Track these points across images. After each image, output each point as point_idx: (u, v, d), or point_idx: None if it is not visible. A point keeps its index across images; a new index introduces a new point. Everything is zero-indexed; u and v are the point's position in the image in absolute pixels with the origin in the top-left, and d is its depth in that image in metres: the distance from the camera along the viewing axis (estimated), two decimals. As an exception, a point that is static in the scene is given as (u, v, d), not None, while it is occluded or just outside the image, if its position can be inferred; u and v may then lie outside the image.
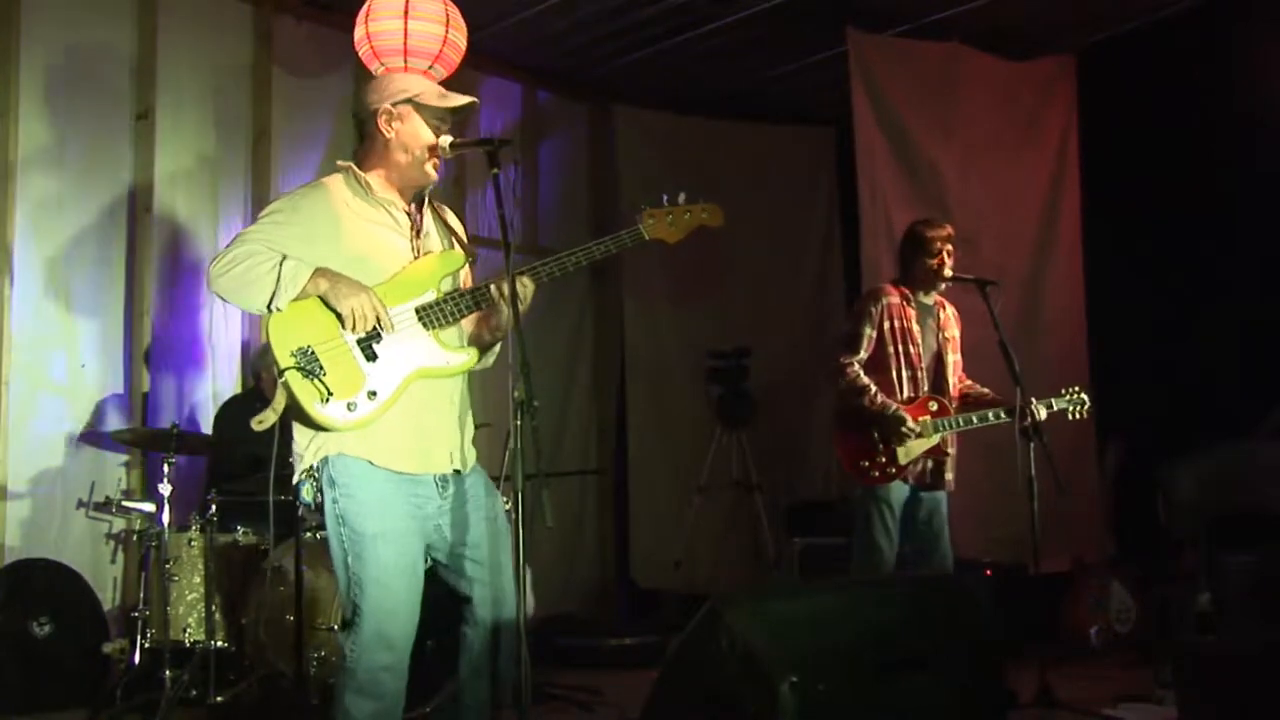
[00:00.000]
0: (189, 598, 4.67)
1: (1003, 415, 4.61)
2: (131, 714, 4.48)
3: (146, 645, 4.64)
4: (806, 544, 6.42)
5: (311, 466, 2.97)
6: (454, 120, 3.13)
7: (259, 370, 5.37)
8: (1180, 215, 6.06)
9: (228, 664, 4.65)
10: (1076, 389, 4.72)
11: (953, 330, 4.84)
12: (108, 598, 5.19)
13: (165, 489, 4.62)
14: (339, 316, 2.91)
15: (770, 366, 7.25)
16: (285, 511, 4.49)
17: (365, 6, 4.82)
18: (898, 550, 4.67)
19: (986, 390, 4.83)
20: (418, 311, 3.00)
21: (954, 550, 4.82)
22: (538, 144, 7.25)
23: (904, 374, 4.67)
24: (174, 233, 5.70)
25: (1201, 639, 4.62)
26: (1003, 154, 6.63)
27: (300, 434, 3.01)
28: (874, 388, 4.60)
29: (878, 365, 4.68)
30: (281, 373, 2.89)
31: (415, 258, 3.07)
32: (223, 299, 3.01)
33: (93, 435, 5.33)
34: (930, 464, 4.68)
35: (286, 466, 3.08)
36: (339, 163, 3.15)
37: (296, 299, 2.90)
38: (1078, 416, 4.73)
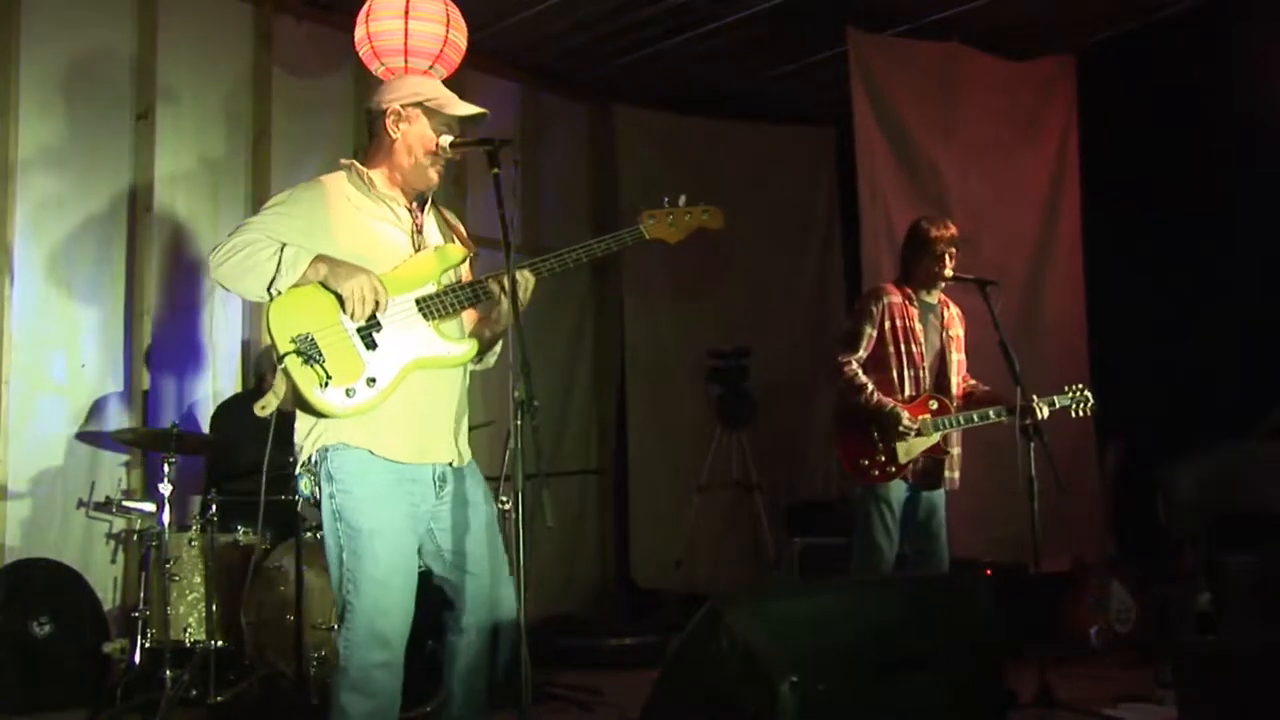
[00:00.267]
0: (189, 597, 4.67)
1: (1004, 414, 4.61)
2: (132, 714, 4.48)
3: (147, 645, 4.64)
4: (806, 544, 6.42)
5: (310, 459, 2.98)
6: (459, 128, 3.13)
7: (264, 371, 5.37)
8: (1180, 215, 6.06)
9: (228, 664, 4.65)
10: (1079, 386, 4.72)
11: (956, 329, 4.84)
12: (108, 598, 5.19)
13: (165, 489, 4.62)
14: (340, 299, 2.91)
15: (770, 366, 7.25)
16: (284, 512, 4.51)
17: (366, 6, 4.82)
18: (897, 550, 4.67)
19: (990, 389, 4.83)
20: (418, 302, 3.01)
21: (954, 550, 4.82)
22: (538, 144, 7.25)
23: (905, 373, 4.67)
24: (174, 232, 5.70)
25: (1201, 639, 4.61)
26: (1003, 154, 6.63)
27: (301, 424, 3.01)
28: (871, 386, 4.60)
29: (879, 364, 4.67)
30: (281, 358, 2.90)
31: (415, 252, 3.08)
32: (224, 287, 3.02)
33: (93, 435, 5.33)
34: (931, 463, 4.68)
35: (283, 467, 3.09)
36: (341, 160, 3.16)
37: (296, 284, 2.91)
38: (1081, 414, 4.72)
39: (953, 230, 4.75)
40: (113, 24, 5.54)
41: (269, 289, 2.90)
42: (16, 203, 5.18)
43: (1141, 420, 5.96)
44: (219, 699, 4.48)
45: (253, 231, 2.95)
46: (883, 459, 4.61)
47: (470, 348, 3.08)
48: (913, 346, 4.69)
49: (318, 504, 3.01)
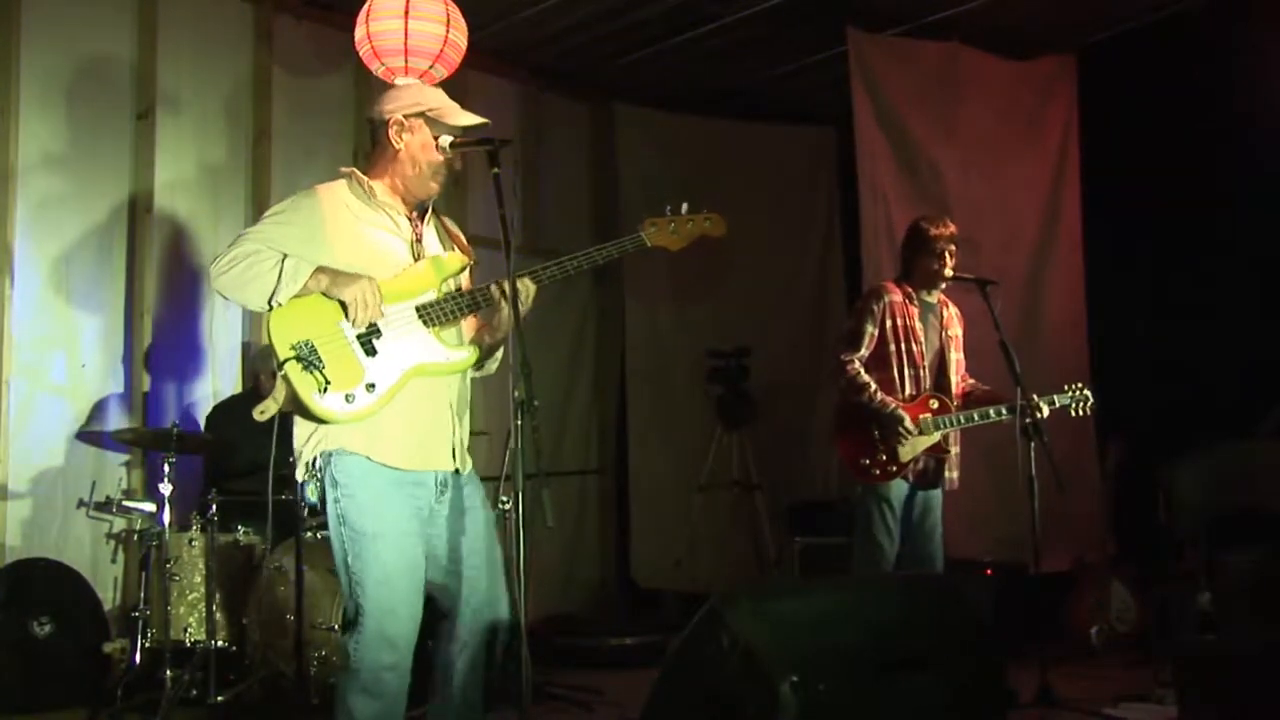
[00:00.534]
0: (189, 597, 4.68)
1: (1004, 412, 4.61)
2: (132, 714, 4.49)
3: (147, 645, 4.65)
4: (807, 543, 6.43)
5: (313, 465, 2.98)
6: (466, 138, 3.13)
7: (258, 372, 5.37)
8: (1180, 215, 6.06)
9: (228, 664, 4.66)
10: (1079, 385, 4.72)
11: (955, 329, 4.85)
12: (108, 597, 5.19)
13: (166, 489, 4.63)
14: (343, 306, 2.93)
15: (771, 366, 7.25)
16: (285, 511, 4.51)
17: (366, 6, 4.82)
18: (897, 548, 4.68)
19: (989, 389, 4.83)
20: (418, 310, 3.02)
21: (954, 550, 4.82)
22: (538, 144, 7.24)
23: (906, 372, 4.67)
24: (174, 233, 5.70)
25: (1201, 639, 4.62)
26: (1003, 154, 6.63)
27: (300, 430, 3.02)
28: (874, 385, 4.61)
29: (879, 363, 4.68)
30: (281, 364, 2.90)
31: (414, 261, 3.09)
32: (224, 297, 3.03)
33: (93, 435, 5.33)
34: (931, 462, 4.68)
35: (286, 466, 3.09)
36: (342, 169, 3.17)
37: (297, 295, 2.92)
38: (1081, 413, 4.72)
39: (952, 229, 4.75)
40: (113, 24, 5.54)
41: (270, 300, 2.92)
42: (17, 203, 5.18)
43: (1141, 420, 5.96)
44: (219, 699, 4.49)
45: (253, 242, 2.96)
46: (884, 458, 4.61)
47: (470, 354, 3.09)
48: (913, 345, 4.69)
49: (322, 509, 3.01)
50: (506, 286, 2.97)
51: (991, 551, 5.99)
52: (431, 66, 4.81)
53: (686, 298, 7.43)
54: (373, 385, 2.93)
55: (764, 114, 7.55)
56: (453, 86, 4.34)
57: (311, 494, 3.02)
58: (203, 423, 5.42)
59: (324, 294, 2.94)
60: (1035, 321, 6.49)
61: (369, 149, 3.18)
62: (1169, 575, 5.55)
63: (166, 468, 4.65)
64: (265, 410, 2.95)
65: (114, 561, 5.29)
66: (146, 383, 5.51)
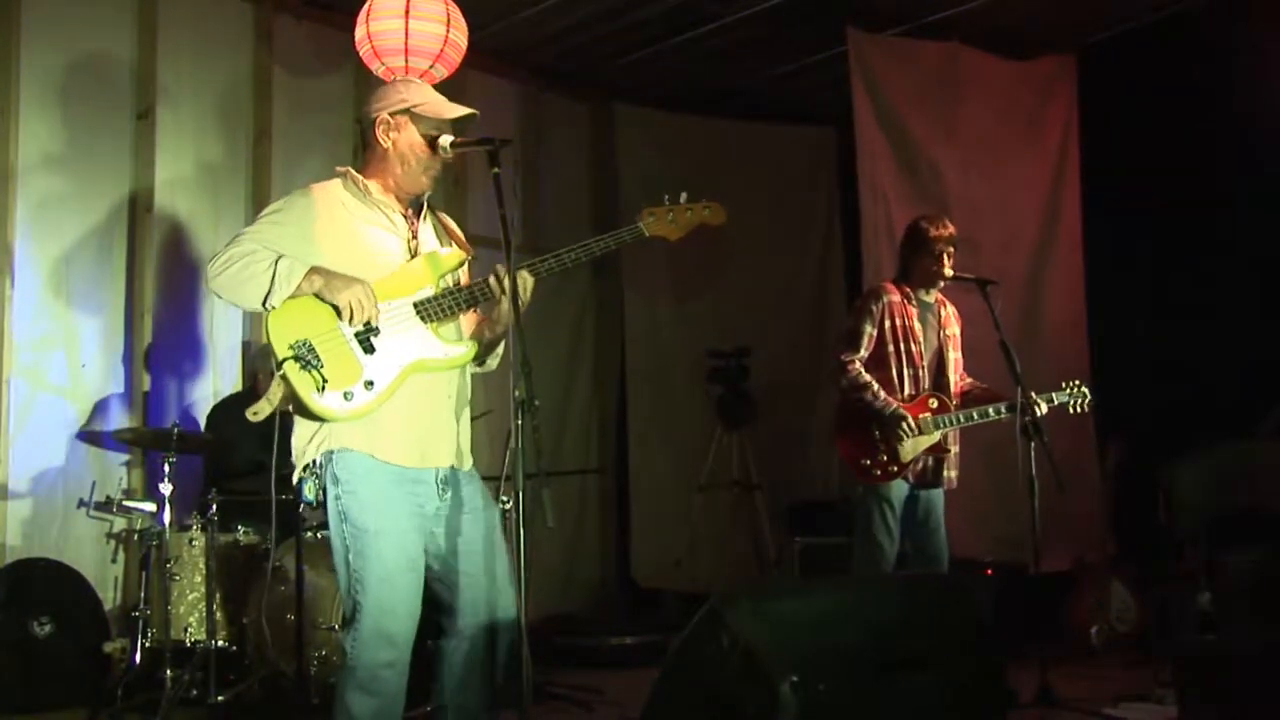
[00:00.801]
0: (190, 597, 4.68)
1: (1003, 411, 4.62)
2: (132, 713, 4.49)
3: (147, 645, 4.65)
4: (807, 543, 6.43)
5: (313, 463, 2.99)
6: (451, 129, 3.13)
7: (257, 371, 5.37)
8: (1180, 215, 6.07)
9: (228, 664, 4.66)
10: (1076, 382, 4.73)
11: (953, 328, 4.85)
12: (109, 597, 5.19)
13: (166, 488, 4.63)
14: (337, 310, 2.93)
15: (771, 366, 7.25)
16: (285, 511, 4.51)
17: (366, 6, 4.82)
18: (897, 549, 4.68)
19: (987, 387, 4.84)
20: (416, 306, 3.02)
21: (954, 550, 4.82)
22: (538, 143, 7.25)
23: (905, 372, 4.68)
24: (174, 232, 5.70)
25: (1201, 639, 4.62)
26: (1003, 154, 6.63)
27: (300, 429, 3.02)
28: (875, 385, 4.61)
29: (879, 363, 4.68)
30: (279, 364, 2.90)
31: (411, 258, 3.09)
32: (220, 297, 3.04)
33: (93, 435, 5.33)
34: (931, 462, 4.69)
35: (288, 466, 3.09)
36: (338, 169, 3.17)
37: (292, 296, 2.92)
38: (1079, 410, 4.73)
39: (951, 229, 4.76)
40: (113, 24, 5.54)
41: (264, 303, 2.92)
42: (17, 203, 5.18)
43: (1141, 420, 5.96)
44: (219, 699, 4.49)
45: (248, 242, 2.96)
46: (884, 458, 4.62)
47: (469, 349, 3.09)
48: (912, 345, 4.70)
49: (321, 508, 3.01)
50: (504, 278, 2.97)
51: (991, 551, 6.00)
52: (431, 66, 4.81)
53: (686, 297, 7.43)
54: (371, 383, 2.94)
55: (764, 114, 7.55)
56: (452, 86, 4.35)
57: (309, 492, 3.02)
58: (203, 422, 5.42)
59: (317, 296, 2.94)
60: (1035, 321, 6.49)
61: (361, 151, 3.19)
62: (1169, 575, 5.55)
63: (167, 467, 4.65)
64: (259, 411, 2.94)
65: (114, 561, 5.29)
66: (146, 382, 5.51)
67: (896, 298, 4.74)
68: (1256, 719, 3.34)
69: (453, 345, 3.06)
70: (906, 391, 4.67)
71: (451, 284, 3.10)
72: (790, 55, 6.92)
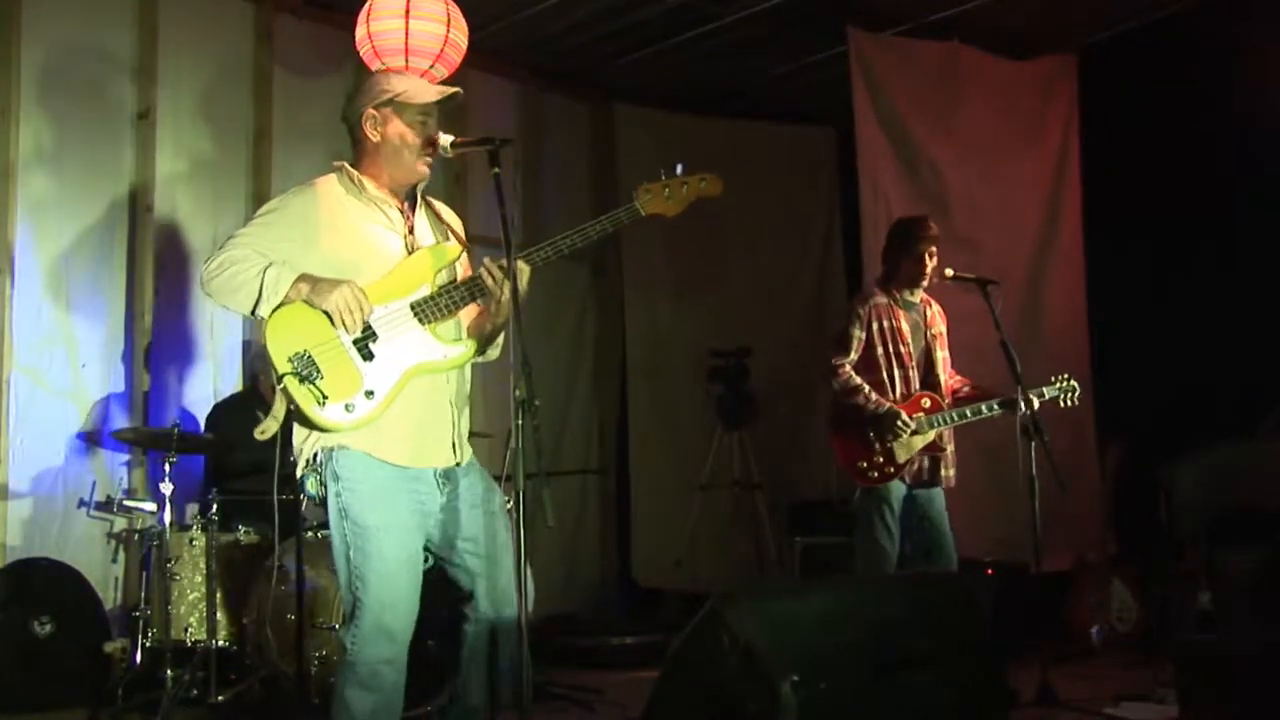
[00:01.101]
0: (190, 597, 4.68)
1: (995, 407, 4.66)
2: (132, 713, 4.49)
3: (148, 645, 4.65)
4: (808, 543, 6.43)
5: (314, 459, 2.99)
6: (439, 112, 3.12)
7: (257, 372, 5.37)
8: (1180, 215, 6.06)
9: (229, 663, 4.66)
10: (1065, 376, 4.75)
11: (939, 327, 4.88)
12: (109, 597, 5.19)
13: (166, 488, 4.63)
14: (329, 316, 2.93)
15: (771, 366, 7.25)
16: (286, 510, 4.51)
17: (366, 6, 4.82)
18: (898, 549, 4.69)
19: (976, 384, 4.86)
20: (413, 307, 3.01)
21: (955, 549, 4.82)
22: (539, 143, 7.25)
23: (895, 373, 4.71)
24: (174, 232, 5.70)
25: (1202, 638, 4.62)
26: (1003, 153, 6.63)
27: (299, 429, 3.03)
28: (867, 387, 4.64)
29: (869, 366, 4.71)
30: (280, 379, 2.90)
31: (409, 254, 3.08)
32: (214, 301, 3.05)
33: (94, 435, 5.33)
34: (927, 462, 4.70)
35: (289, 465, 3.09)
36: (335, 163, 3.16)
37: (281, 305, 2.92)
38: (1070, 403, 4.74)
39: (934, 230, 4.79)
40: (113, 23, 5.54)
41: (254, 311, 2.93)
42: (17, 202, 5.18)
43: (1141, 420, 5.96)
44: (220, 699, 4.49)
45: (240, 248, 2.97)
46: (880, 460, 4.63)
47: (468, 349, 3.08)
48: (900, 347, 4.73)
49: (323, 503, 3.02)
50: (496, 270, 2.96)
51: (992, 551, 5.99)
52: (432, 66, 4.81)
53: (687, 296, 7.43)
54: (371, 392, 2.93)
55: (764, 114, 7.55)
56: (452, 85, 4.33)
57: (311, 488, 3.03)
58: (203, 422, 5.42)
59: (307, 303, 2.93)
60: (1035, 321, 6.48)
61: (351, 149, 3.17)
62: (1169, 575, 5.56)
63: (167, 467, 4.65)
64: (266, 430, 2.95)
65: (115, 561, 5.29)
66: (146, 382, 5.51)
67: (883, 300, 4.77)
68: (1257, 718, 3.34)
69: (452, 345, 3.05)
70: (898, 392, 4.69)
71: (448, 280, 3.09)
72: (790, 55, 6.92)
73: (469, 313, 3.17)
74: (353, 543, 2.94)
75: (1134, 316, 6.25)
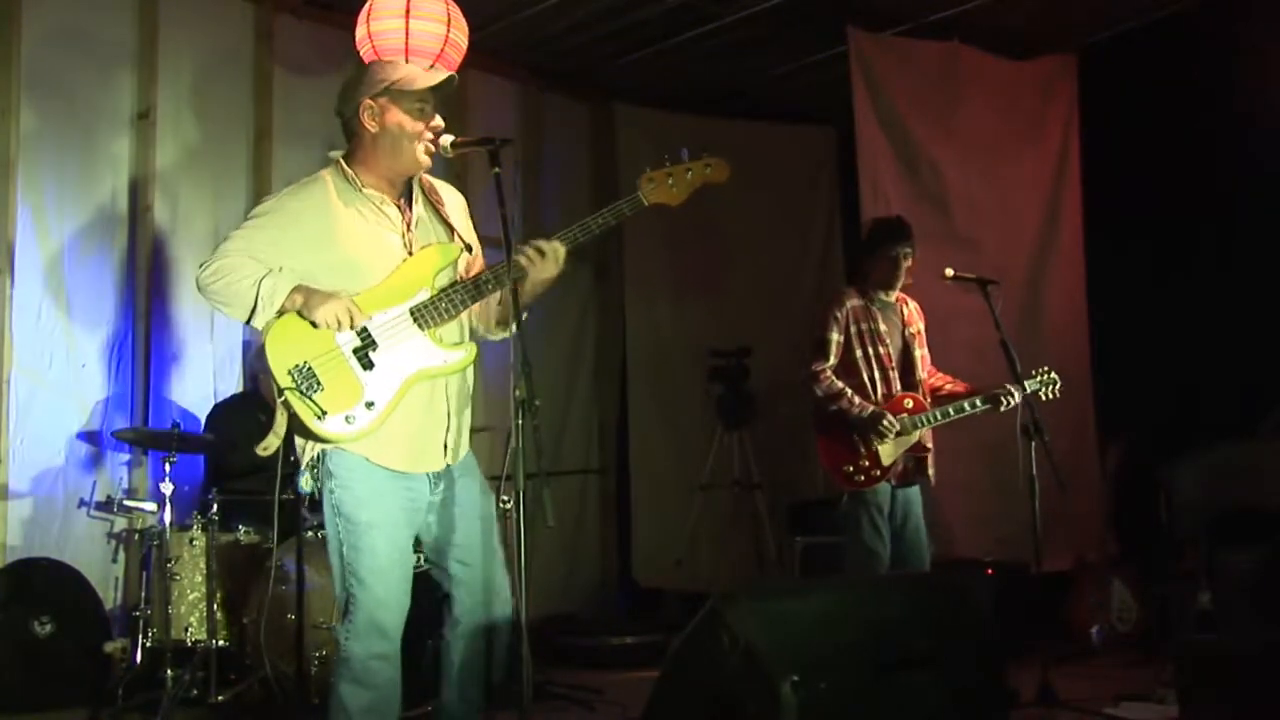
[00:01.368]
0: (190, 597, 4.68)
1: (978, 404, 4.68)
2: (132, 713, 4.49)
3: (148, 644, 4.65)
4: (808, 543, 6.43)
5: (313, 459, 3.00)
6: (437, 99, 3.10)
7: (256, 372, 5.37)
8: (1181, 215, 6.07)
9: (229, 663, 4.66)
10: (1045, 368, 4.74)
11: (918, 324, 4.89)
12: (109, 597, 5.19)
13: (167, 488, 4.63)
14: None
15: (772, 366, 7.24)
16: (286, 510, 4.51)
17: (367, 6, 4.82)
18: (890, 551, 4.70)
19: (955, 380, 4.87)
20: (412, 313, 2.99)
21: (955, 550, 4.83)
22: (539, 143, 7.25)
23: (876, 375, 4.72)
24: (174, 231, 5.70)
25: (1202, 638, 4.62)
26: (1004, 153, 6.63)
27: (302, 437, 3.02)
28: (849, 391, 4.65)
29: (848, 370, 4.72)
30: (281, 392, 2.89)
31: (409, 253, 3.05)
32: (211, 305, 3.04)
33: (94, 435, 5.33)
34: (911, 462, 4.73)
35: (288, 465, 3.09)
36: (330, 154, 3.14)
37: (277, 316, 2.92)
38: (1050, 395, 4.74)
39: (908, 231, 4.79)
40: (113, 22, 5.54)
41: (249, 321, 2.93)
42: (17, 202, 5.18)
43: (1141, 420, 5.96)
44: (220, 698, 4.49)
45: (234, 254, 2.96)
46: (867, 463, 4.63)
47: (467, 353, 3.06)
48: (879, 348, 4.73)
49: (318, 502, 3.02)
50: (532, 251, 2.95)
51: (992, 551, 6.00)
52: (432, 66, 4.79)
53: (687, 296, 7.43)
54: (372, 403, 2.93)
55: (764, 114, 7.55)
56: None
57: (305, 485, 3.03)
58: (204, 422, 5.42)
59: (299, 314, 2.92)
60: (1035, 321, 6.48)
61: (347, 143, 3.15)
62: (1169, 575, 5.56)
63: (167, 467, 4.65)
64: (268, 446, 2.94)
65: (115, 561, 5.29)
66: (146, 382, 5.51)
67: (858, 302, 4.77)
68: (1258, 718, 3.34)
69: (452, 350, 3.03)
70: (879, 394, 4.71)
71: (449, 280, 3.06)
72: (790, 55, 6.91)
73: (483, 307, 3.14)
74: (345, 539, 2.95)
75: (1134, 316, 6.25)
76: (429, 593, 3.09)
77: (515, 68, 7.01)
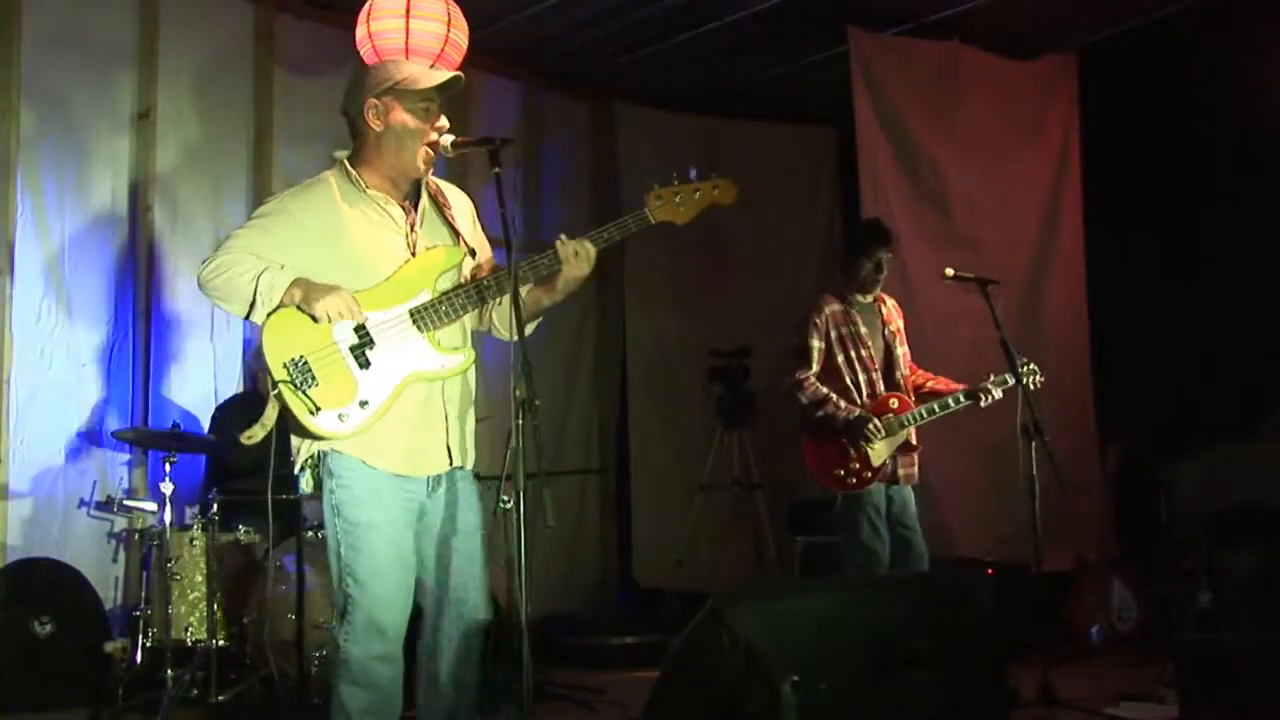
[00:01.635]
0: (190, 597, 4.68)
1: (961, 400, 4.72)
2: (133, 713, 4.49)
3: (148, 644, 4.65)
4: (808, 543, 6.43)
5: (311, 459, 2.99)
6: (442, 99, 3.10)
7: (255, 371, 5.37)
8: (1181, 215, 6.07)
9: (229, 663, 4.66)
10: (1025, 360, 4.74)
11: (897, 322, 4.92)
12: (109, 597, 5.19)
13: (167, 488, 4.63)
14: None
15: (772, 366, 7.21)
16: (286, 510, 4.51)
17: (367, 5, 4.82)
18: (889, 551, 4.71)
19: (934, 375, 4.89)
20: (412, 314, 2.98)
21: (956, 550, 4.84)
22: (539, 143, 7.25)
23: (860, 377, 4.74)
24: (174, 231, 5.69)
25: (1202, 638, 4.62)
26: (1004, 153, 6.63)
27: (296, 435, 3.02)
28: (834, 396, 4.67)
29: (831, 374, 4.75)
30: (274, 385, 2.89)
31: (411, 254, 3.04)
32: (211, 301, 3.04)
33: (94, 434, 5.33)
34: (900, 460, 4.73)
35: (286, 465, 3.09)
36: (335, 154, 3.15)
37: (276, 310, 2.91)
38: (1033, 385, 4.73)
39: (888, 235, 4.81)
40: (113, 22, 5.54)
41: (249, 316, 2.93)
42: (17, 202, 5.18)
43: (1142, 420, 5.96)
44: (220, 698, 4.49)
45: (235, 252, 2.95)
46: (857, 466, 4.65)
47: (465, 358, 3.04)
48: (861, 350, 4.76)
49: (318, 499, 3.02)
50: (575, 246, 2.96)
51: (992, 551, 6.00)
52: (432, 66, 4.80)
53: (687, 296, 7.42)
54: (366, 402, 2.92)
55: (764, 114, 7.55)
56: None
57: (305, 485, 3.03)
58: (205, 422, 5.42)
59: (299, 309, 2.92)
60: (1035, 321, 6.48)
61: (352, 144, 3.15)
62: (1169, 575, 5.55)
63: (167, 467, 4.66)
64: (253, 435, 2.94)
65: (115, 561, 5.29)
66: (146, 382, 5.51)
67: (837, 306, 4.80)
68: (1258, 718, 3.34)
69: (449, 355, 3.02)
70: (864, 395, 4.73)
71: (451, 284, 3.06)
72: (790, 55, 6.91)
73: (524, 290, 3.10)
74: (344, 540, 2.94)
75: (1134, 316, 6.25)
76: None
77: (515, 68, 7.01)
